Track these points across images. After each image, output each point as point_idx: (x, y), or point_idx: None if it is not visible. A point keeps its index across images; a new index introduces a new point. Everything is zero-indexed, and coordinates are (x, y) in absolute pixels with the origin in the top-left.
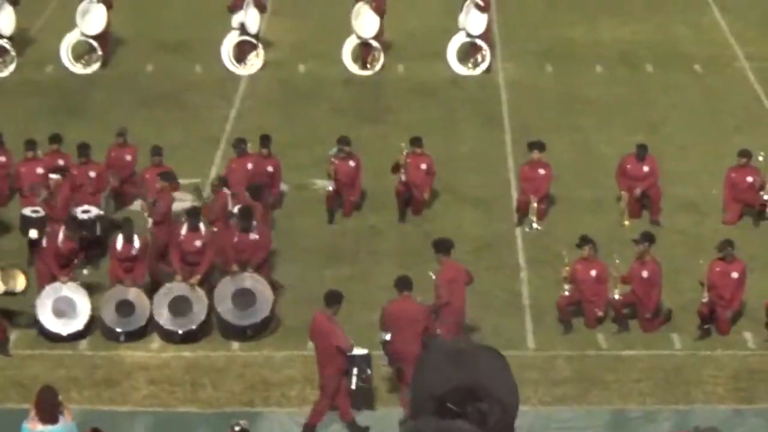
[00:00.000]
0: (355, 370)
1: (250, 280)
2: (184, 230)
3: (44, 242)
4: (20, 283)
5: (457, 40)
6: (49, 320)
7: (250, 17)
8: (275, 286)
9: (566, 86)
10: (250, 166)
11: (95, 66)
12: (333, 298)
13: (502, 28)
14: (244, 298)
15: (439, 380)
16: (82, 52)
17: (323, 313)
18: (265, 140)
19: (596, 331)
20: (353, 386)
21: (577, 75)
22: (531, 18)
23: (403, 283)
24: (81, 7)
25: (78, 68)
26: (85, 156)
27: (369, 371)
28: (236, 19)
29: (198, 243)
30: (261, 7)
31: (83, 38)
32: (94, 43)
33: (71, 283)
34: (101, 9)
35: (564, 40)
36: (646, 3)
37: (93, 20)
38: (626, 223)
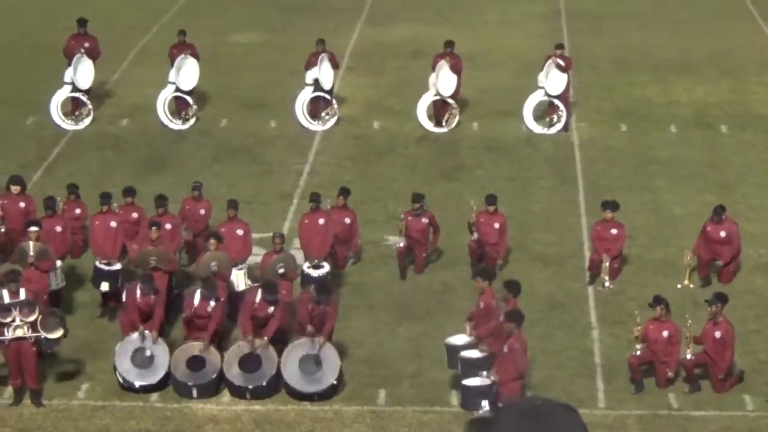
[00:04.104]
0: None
1: (319, 346)
2: (258, 297)
3: (124, 296)
4: (57, 334)
5: (535, 98)
6: (126, 368)
7: (324, 73)
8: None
9: (640, 146)
10: (322, 221)
11: (192, 121)
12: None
13: (577, 87)
14: (309, 364)
15: None
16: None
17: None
18: (344, 192)
19: (668, 391)
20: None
21: (651, 135)
22: (606, 78)
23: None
24: (176, 63)
25: (177, 124)
26: (162, 207)
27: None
28: (310, 76)
29: (271, 310)
30: (335, 64)
31: (178, 94)
32: (189, 99)
33: (155, 337)
34: (194, 64)
35: (638, 101)
36: (721, 64)
37: (187, 75)
38: (686, 282)
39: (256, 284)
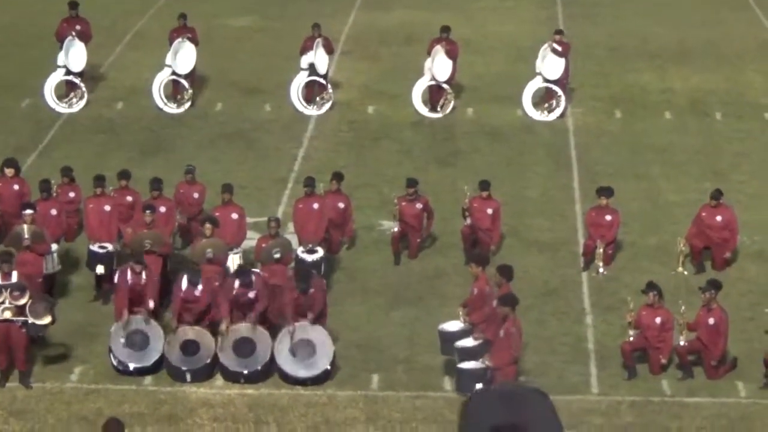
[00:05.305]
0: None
1: (312, 331)
2: (236, 284)
3: (116, 279)
4: (44, 320)
5: (533, 85)
6: (120, 350)
7: (319, 58)
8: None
9: (635, 133)
10: (316, 206)
11: (187, 105)
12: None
13: (572, 73)
14: (303, 349)
15: (487, 418)
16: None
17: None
18: (337, 177)
19: (661, 377)
20: None
21: (647, 122)
22: (601, 64)
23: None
24: (174, 47)
25: (171, 108)
26: (157, 191)
27: None
28: (305, 60)
29: (251, 295)
30: (329, 49)
31: (174, 77)
32: (185, 82)
33: (149, 320)
34: (191, 48)
35: (633, 87)
36: (717, 52)
37: (184, 59)
38: (679, 269)
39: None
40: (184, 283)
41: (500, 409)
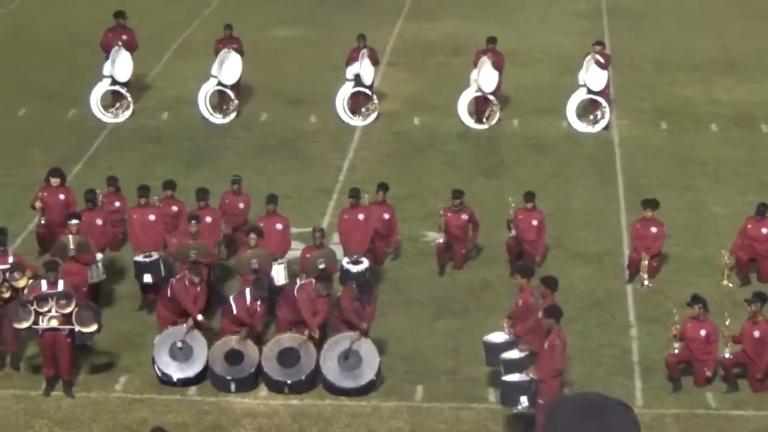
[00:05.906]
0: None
1: (359, 342)
2: (313, 292)
3: (169, 291)
4: (91, 328)
5: (577, 97)
6: (164, 362)
7: (365, 69)
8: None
9: (680, 145)
10: (361, 217)
11: (232, 115)
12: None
13: (618, 85)
14: (350, 360)
15: (567, 430)
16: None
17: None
18: (383, 188)
19: (705, 390)
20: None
21: (692, 134)
22: (646, 76)
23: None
24: (219, 57)
25: (217, 118)
26: (204, 201)
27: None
28: (351, 71)
29: (320, 304)
30: (374, 60)
31: (220, 88)
32: (230, 93)
33: (193, 330)
34: (237, 58)
35: (679, 99)
36: (763, 64)
37: (230, 70)
38: (724, 282)
39: (308, 280)
40: (248, 297)
41: (583, 419)
